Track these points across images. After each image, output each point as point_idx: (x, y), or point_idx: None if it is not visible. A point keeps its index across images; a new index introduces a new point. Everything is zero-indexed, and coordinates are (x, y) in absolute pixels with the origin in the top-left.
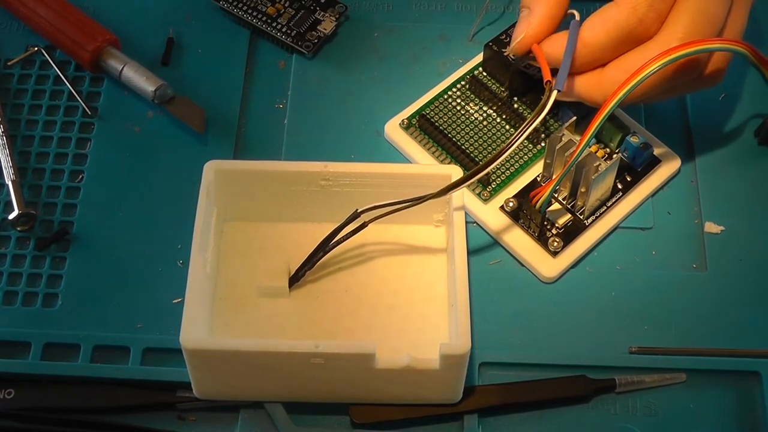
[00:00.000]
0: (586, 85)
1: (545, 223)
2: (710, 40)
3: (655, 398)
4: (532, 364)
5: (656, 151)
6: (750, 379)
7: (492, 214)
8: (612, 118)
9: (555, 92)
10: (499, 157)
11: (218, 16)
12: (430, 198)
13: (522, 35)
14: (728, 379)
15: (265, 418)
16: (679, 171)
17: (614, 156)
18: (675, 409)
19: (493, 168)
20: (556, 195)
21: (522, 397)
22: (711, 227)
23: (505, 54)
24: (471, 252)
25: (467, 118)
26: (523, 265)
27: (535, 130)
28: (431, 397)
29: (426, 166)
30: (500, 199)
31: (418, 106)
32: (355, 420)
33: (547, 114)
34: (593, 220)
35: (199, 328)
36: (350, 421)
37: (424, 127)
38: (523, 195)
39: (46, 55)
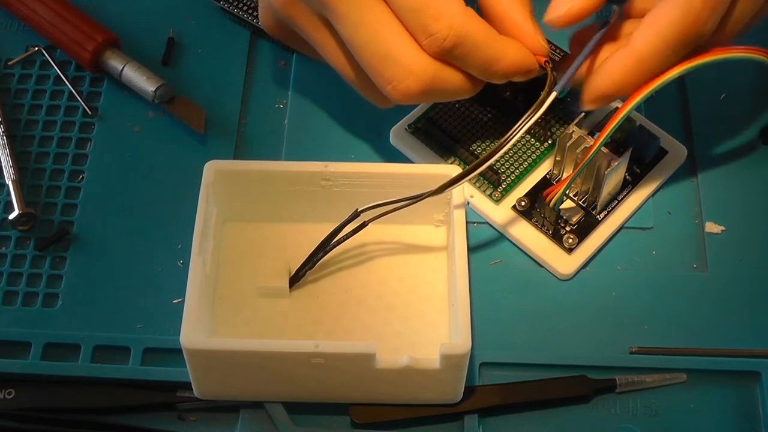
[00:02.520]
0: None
1: (558, 220)
2: (734, 48)
3: (656, 398)
4: (533, 364)
5: (662, 143)
6: (750, 379)
7: (504, 214)
8: (617, 110)
9: (554, 93)
10: (495, 154)
11: (218, 16)
12: (428, 195)
13: (568, 6)
14: (728, 379)
15: (265, 418)
16: (685, 161)
17: (625, 151)
18: (675, 409)
19: (490, 165)
20: (567, 192)
21: (522, 397)
22: (711, 227)
23: None
24: (472, 252)
25: (473, 120)
26: (539, 264)
27: (541, 128)
28: (431, 397)
29: (426, 165)
30: (512, 198)
31: (424, 110)
32: (355, 420)
33: (550, 110)
34: (605, 215)
35: (199, 329)
36: (350, 421)
37: (431, 131)
38: (535, 193)
39: (46, 55)
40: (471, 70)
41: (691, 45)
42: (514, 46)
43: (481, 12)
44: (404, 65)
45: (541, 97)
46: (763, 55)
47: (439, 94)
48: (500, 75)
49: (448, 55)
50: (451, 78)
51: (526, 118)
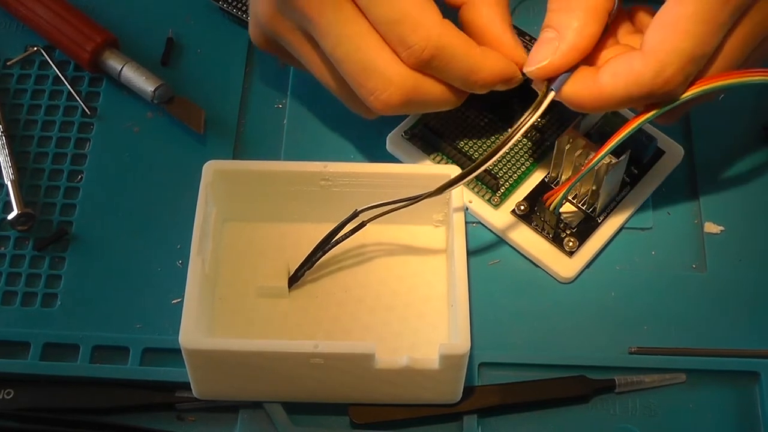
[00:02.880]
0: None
1: (559, 223)
2: (752, 72)
3: (655, 398)
4: (532, 365)
5: (659, 143)
6: (750, 379)
7: (504, 219)
8: (615, 113)
9: (552, 93)
10: (493, 156)
11: (218, 16)
12: (426, 197)
13: (546, 61)
14: (728, 379)
15: (265, 419)
16: (684, 161)
17: (623, 152)
18: (675, 409)
19: (490, 166)
20: (567, 195)
21: (521, 398)
22: (711, 227)
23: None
24: (471, 252)
25: (470, 125)
26: (537, 266)
27: (539, 132)
28: (431, 397)
29: (426, 166)
30: (511, 203)
31: (420, 116)
32: (355, 420)
33: (546, 114)
34: (605, 217)
35: (198, 329)
36: (350, 421)
37: (428, 136)
38: (534, 197)
39: (45, 55)
40: (451, 81)
41: (657, 101)
42: (493, 55)
43: (460, 26)
44: (384, 76)
45: (539, 97)
46: None
47: (421, 105)
48: (481, 85)
49: (427, 66)
50: (432, 89)
51: (525, 119)
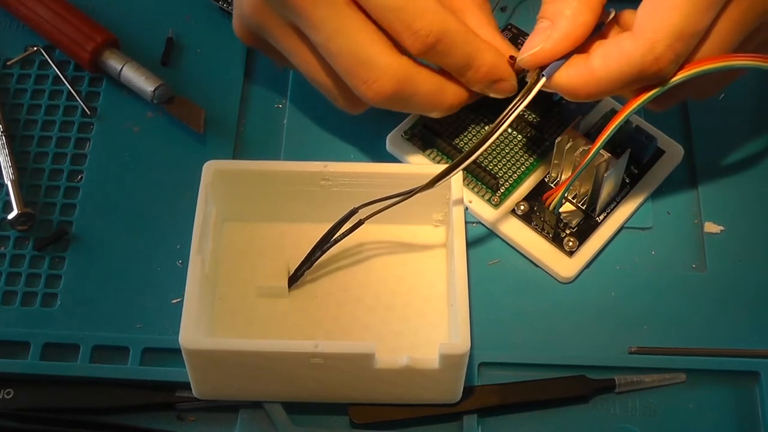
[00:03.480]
0: (573, 81)
1: (559, 223)
2: (740, 55)
3: (655, 398)
4: (532, 364)
5: (659, 143)
6: (750, 379)
7: (503, 219)
8: (613, 112)
9: (543, 79)
10: (482, 145)
11: (218, 16)
12: (419, 191)
13: (537, 48)
14: (728, 379)
15: (265, 418)
16: (684, 161)
17: (623, 152)
18: (675, 409)
19: (478, 157)
20: (567, 195)
21: (522, 397)
22: (711, 227)
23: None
24: (471, 252)
25: (469, 125)
26: (537, 266)
27: (538, 131)
28: (431, 397)
29: (426, 165)
30: (510, 203)
31: (419, 116)
32: (355, 420)
33: (546, 114)
34: (605, 217)
35: (198, 329)
36: (349, 421)
37: (427, 137)
38: (534, 197)
39: (45, 54)
40: (451, 69)
41: (649, 82)
42: (491, 47)
43: None
44: (378, 65)
45: (528, 84)
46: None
47: (413, 99)
48: (479, 76)
49: (430, 51)
50: (425, 82)
51: (514, 105)
